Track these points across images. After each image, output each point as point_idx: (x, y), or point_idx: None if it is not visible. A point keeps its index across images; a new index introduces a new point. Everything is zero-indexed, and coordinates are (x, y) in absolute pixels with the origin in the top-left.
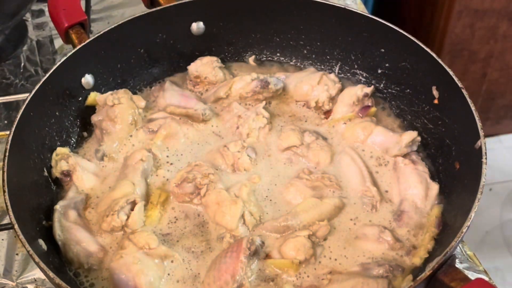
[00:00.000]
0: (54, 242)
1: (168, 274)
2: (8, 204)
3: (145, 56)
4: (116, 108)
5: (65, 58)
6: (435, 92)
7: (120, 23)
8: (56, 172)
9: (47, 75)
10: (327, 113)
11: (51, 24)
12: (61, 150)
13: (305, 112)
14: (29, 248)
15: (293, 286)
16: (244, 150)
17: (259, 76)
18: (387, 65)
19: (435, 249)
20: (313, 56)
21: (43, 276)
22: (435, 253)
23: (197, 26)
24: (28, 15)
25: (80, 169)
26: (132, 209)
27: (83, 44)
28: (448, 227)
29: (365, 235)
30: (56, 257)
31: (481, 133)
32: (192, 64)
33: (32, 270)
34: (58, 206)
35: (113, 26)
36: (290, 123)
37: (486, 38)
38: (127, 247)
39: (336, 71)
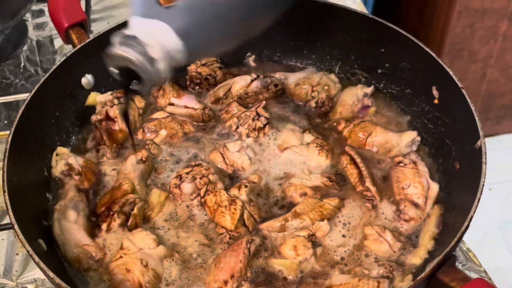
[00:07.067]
0: (54, 242)
1: (168, 274)
2: (8, 204)
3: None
4: (116, 108)
5: (65, 58)
6: (435, 92)
7: (120, 23)
8: (56, 172)
9: (47, 75)
10: (327, 113)
11: (51, 24)
12: (61, 150)
13: (305, 112)
14: (29, 248)
15: (293, 285)
16: (244, 150)
17: (259, 76)
18: (387, 65)
19: (435, 249)
20: (313, 56)
21: (43, 276)
22: (435, 253)
23: None
24: (28, 15)
25: (79, 169)
26: (132, 209)
27: (83, 44)
28: (448, 227)
29: (365, 235)
30: (56, 257)
31: (481, 133)
32: (192, 64)
33: (32, 270)
34: (58, 206)
35: (113, 26)
36: (290, 123)
37: (486, 38)
38: (127, 247)
39: (336, 71)
